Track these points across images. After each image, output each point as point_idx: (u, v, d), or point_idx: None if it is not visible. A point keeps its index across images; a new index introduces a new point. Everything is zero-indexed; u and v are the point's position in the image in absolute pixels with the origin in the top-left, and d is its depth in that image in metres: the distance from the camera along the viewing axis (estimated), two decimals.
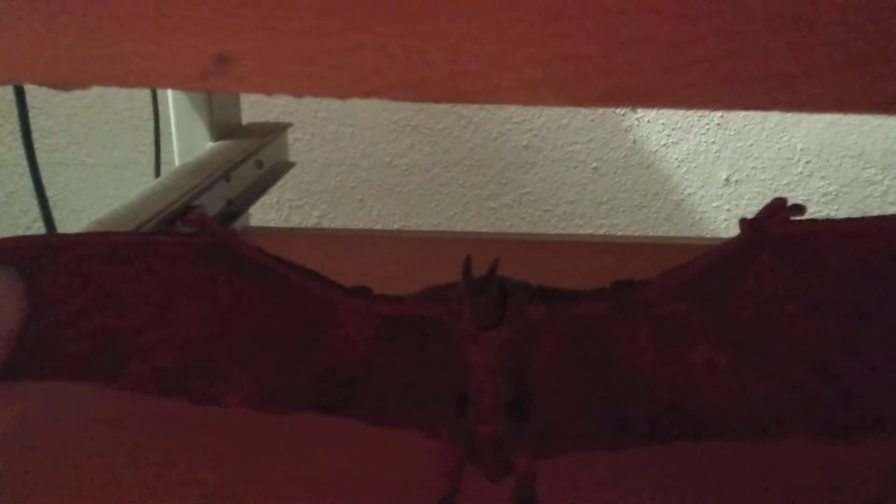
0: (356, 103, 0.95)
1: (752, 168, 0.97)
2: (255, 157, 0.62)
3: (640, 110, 0.95)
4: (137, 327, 0.30)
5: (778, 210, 0.25)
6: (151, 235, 0.30)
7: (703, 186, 0.98)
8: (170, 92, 0.61)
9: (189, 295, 0.30)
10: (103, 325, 0.30)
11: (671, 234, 1.00)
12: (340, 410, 0.31)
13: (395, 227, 1.01)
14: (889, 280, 0.25)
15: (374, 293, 0.29)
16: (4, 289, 0.30)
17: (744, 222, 0.26)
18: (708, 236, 0.98)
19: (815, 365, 0.27)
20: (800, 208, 0.25)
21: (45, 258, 0.30)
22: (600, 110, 0.95)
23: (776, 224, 0.25)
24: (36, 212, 0.54)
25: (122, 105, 0.98)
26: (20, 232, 0.93)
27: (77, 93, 0.93)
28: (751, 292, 0.26)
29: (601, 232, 1.01)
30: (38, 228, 0.92)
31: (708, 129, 0.96)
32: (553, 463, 0.29)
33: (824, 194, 0.97)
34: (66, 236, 0.31)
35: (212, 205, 0.55)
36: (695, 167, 0.98)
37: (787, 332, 0.26)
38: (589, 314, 0.27)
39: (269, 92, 0.22)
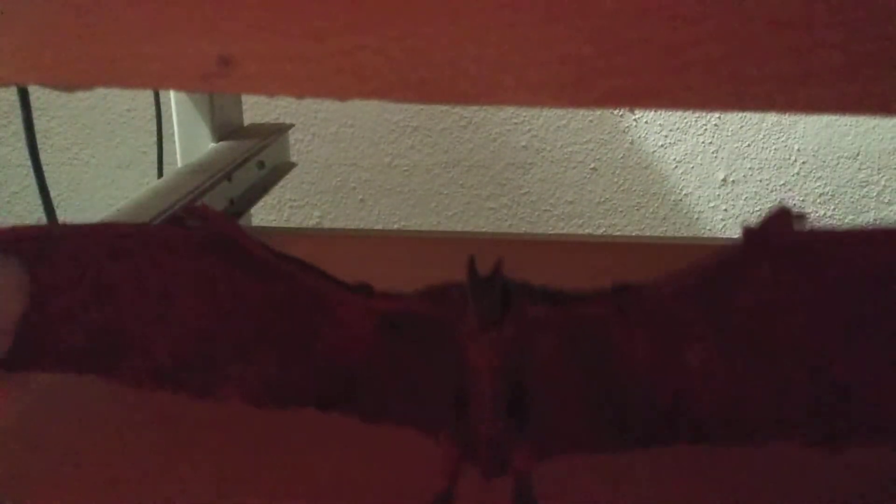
0: (357, 104, 0.95)
1: (749, 169, 0.98)
2: (257, 158, 0.62)
3: (638, 111, 0.95)
4: (136, 320, 0.30)
5: (781, 219, 0.25)
6: (153, 227, 0.30)
7: (700, 187, 0.99)
8: (172, 93, 0.61)
9: (189, 288, 0.30)
10: (102, 318, 0.30)
11: (669, 233, 1.01)
12: (339, 407, 0.30)
13: (395, 227, 1.01)
14: (889, 290, 0.25)
15: (376, 290, 0.29)
16: (6, 280, 0.29)
17: (747, 231, 0.26)
18: (705, 236, 0.98)
19: (814, 372, 0.26)
20: (802, 217, 0.25)
21: (46, 249, 0.30)
22: (599, 111, 0.95)
23: (779, 233, 0.25)
24: (40, 212, 0.54)
25: (124, 106, 0.98)
26: None
27: (80, 94, 0.93)
28: (750, 299, 0.26)
29: (599, 232, 1.01)
30: None
31: (705, 129, 0.96)
32: (553, 463, 0.29)
33: (820, 195, 0.98)
34: (66, 227, 0.31)
35: (214, 205, 0.55)
36: (692, 168, 0.98)
37: (786, 340, 0.26)
38: (589, 315, 0.28)
39: (270, 93, 0.22)
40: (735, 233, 0.98)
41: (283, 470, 0.36)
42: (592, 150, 0.98)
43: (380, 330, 0.29)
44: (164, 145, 0.68)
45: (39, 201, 0.52)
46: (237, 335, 0.30)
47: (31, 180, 0.52)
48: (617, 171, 0.99)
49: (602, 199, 1.00)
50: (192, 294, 0.30)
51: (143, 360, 0.31)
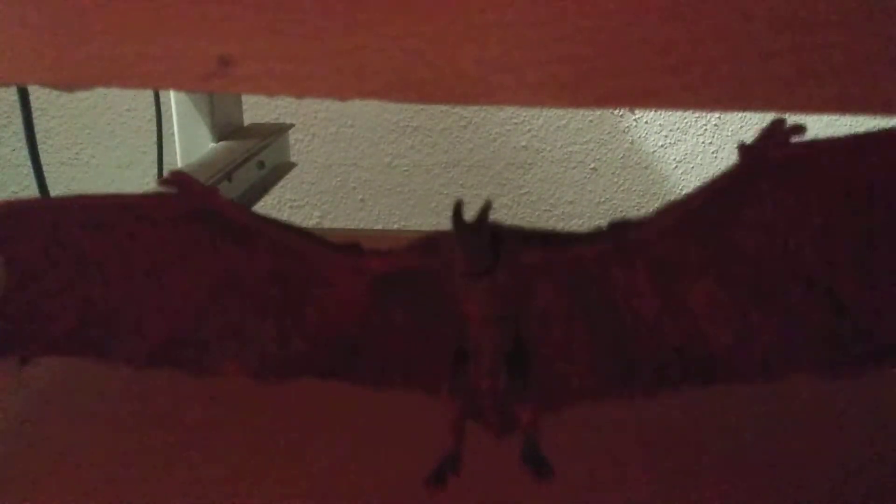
0: (357, 104, 0.95)
1: None
2: (257, 158, 0.62)
3: (638, 111, 0.95)
4: (123, 297, 0.29)
5: (777, 132, 0.23)
6: (131, 197, 0.28)
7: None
8: (172, 93, 0.61)
9: (174, 261, 0.28)
10: (88, 296, 0.29)
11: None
12: (339, 374, 0.29)
13: (395, 227, 1.01)
14: (892, 194, 0.24)
15: (366, 248, 0.28)
16: None
17: (742, 148, 0.24)
18: None
19: (822, 294, 0.25)
20: (800, 128, 0.23)
21: (21, 225, 0.28)
22: (598, 111, 0.95)
23: (776, 147, 0.23)
24: None
25: (124, 106, 0.98)
26: None
27: (80, 94, 0.93)
28: (752, 222, 0.25)
29: None
30: None
31: (705, 130, 0.96)
32: (560, 417, 0.28)
33: None
34: (40, 201, 0.30)
35: None
36: (692, 168, 0.98)
37: (791, 262, 0.25)
38: (586, 257, 0.26)
39: (270, 93, 0.22)
40: None
41: (284, 470, 0.36)
42: (592, 149, 0.98)
43: (372, 290, 0.28)
44: (164, 145, 0.68)
45: None
46: (228, 307, 0.29)
47: (31, 180, 0.52)
48: (617, 171, 0.99)
49: (602, 199, 1.00)
50: (180, 268, 0.28)
51: (136, 340, 0.29)
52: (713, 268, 0.26)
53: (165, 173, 0.28)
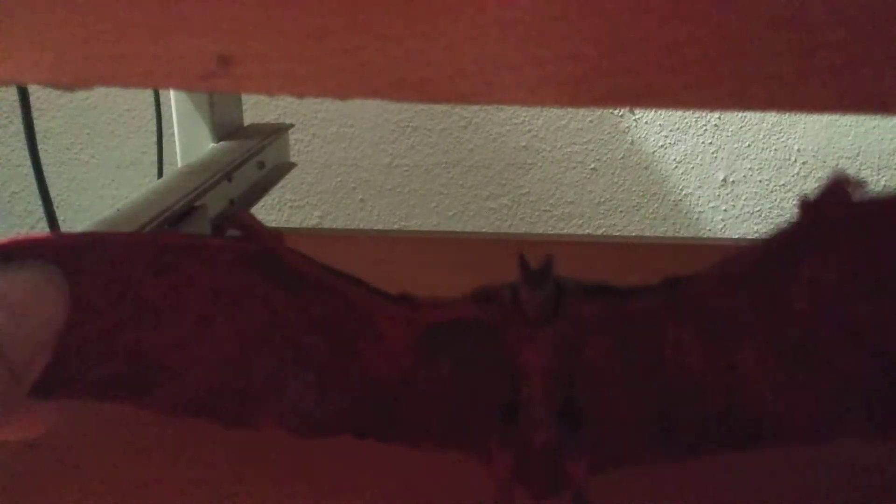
0: (357, 104, 0.95)
1: (749, 169, 0.98)
2: (257, 158, 0.62)
3: (638, 111, 0.95)
4: (172, 345, 0.28)
5: (839, 189, 0.23)
6: (195, 238, 0.27)
7: (700, 187, 0.99)
8: (172, 92, 0.61)
9: (226, 309, 0.27)
10: (138, 341, 0.28)
11: (669, 234, 1.01)
12: (379, 433, 0.29)
13: (395, 227, 1.01)
14: None
15: (420, 300, 0.27)
16: (52, 291, 0.25)
17: (804, 205, 0.23)
18: (705, 236, 0.98)
19: (873, 355, 0.25)
20: (861, 184, 0.23)
21: (89, 260, 0.26)
22: (598, 111, 0.95)
23: (836, 205, 0.23)
24: (40, 212, 0.54)
25: (124, 106, 0.98)
26: (23, 232, 0.94)
27: (80, 93, 0.93)
28: (805, 281, 0.24)
29: (600, 232, 1.01)
30: (42, 228, 0.92)
31: (705, 130, 0.96)
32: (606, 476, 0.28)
33: None
34: (108, 236, 0.28)
35: (214, 205, 0.55)
36: (692, 168, 0.98)
37: (843, 322, 0.25)
38: (640, 312, 0.26)
39: (270, 92, 0.22)
40: (735, 233, 0.98)
41: (284, 469, 0.36)
42: (592, 150, 0.98)
43: (421, 342, 0.27)
44: (164, 145, 0.68)
45: (39, 201, 0.52)
46: (274, 362, 0.28)
47: (31, 180, 0.52)
48: (617, 171, 0.99)
49: (602, 200, 1.00)
50: (229, 316, 0.28)
51: (178, 389, 0.28)
52: (763, 326, 0.25)
53: (230, 213, 0.27)
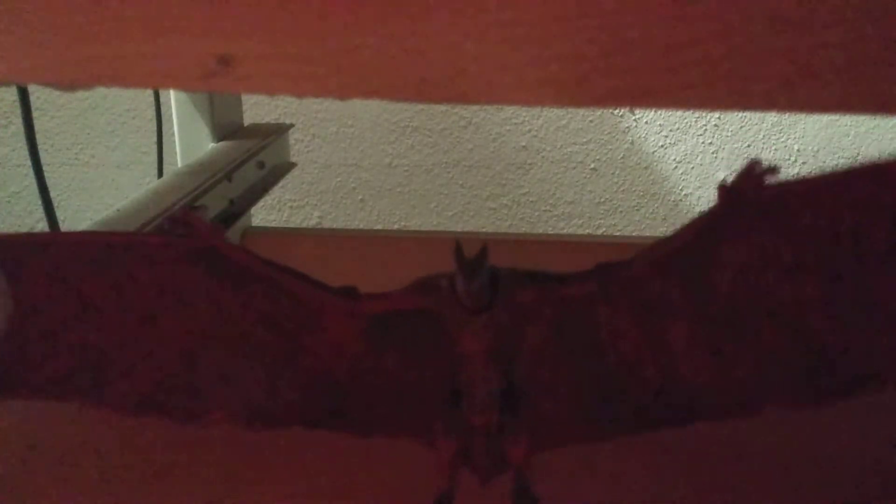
0: (357, 104, 0.95)
1: None
2: (257, 158, 0.62)
3: (638, 111, 0.95)
4: (117, 342, 0.28)
5: (753, 173, 0.24)
6: (136, 236, 0.28)
7: (700, 187, 0.99)
8: (172, 93, 0.61)
9: (169, 305, 0.28)
10: (82, 339, 0.28)
11: (669, 233, 1.00)
12: (327, 424, 0.30)
13: (395, 227, 1.01)
14: (863, 234, 0.25)
15: (361, 292, 0.28)
16: None
17: (722, 190, 0.25)
18: None
19: (795, 330, 0.26)
20: (774, 170, 0.24)
21: (30, 259, 0.28)
22: (598, 111, 0.95)
23: (752, 188, 0.25)
24: (39, 212, 0.54)
25: (124, 106, 0.98)
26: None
27: (80, 93, 0.93)
28: (728, 262, 0.26)
29: (599, 232, 1.01)
30: (42, 228, 0.92)
31: (705, 130, 0.96)
32: (548, 457, 0.29)
33: None
34: (50, 235, 0.29)
35: (214, 205, 0.55)
36: (692, 168, 0.98)
37: (766, 301, 0.26)
38: (575, 296, 0.27)
39: (270, 92, 0.22)
40: None
41: (284, 469, 0.36)
42: (592, 150, 0.98)
43: (366, 334, 0.28)
44: (164, 145, 0.68)
45: (39, 201, 0.52)
46: (219, 355, 0.29)
47: (31, 180, 0.52)
48: (617, 172, 0.99)
49: (602, 200, 1.00)
50: (174, 313, 0.28)
51: (126, 386, 0.29)
52: (691, 307, 0.27)
53: (173, 212, 0.27)
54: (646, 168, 0.98)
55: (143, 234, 0.29)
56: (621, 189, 0.99)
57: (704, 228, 0.26)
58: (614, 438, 0.29)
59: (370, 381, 0.29)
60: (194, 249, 0.27)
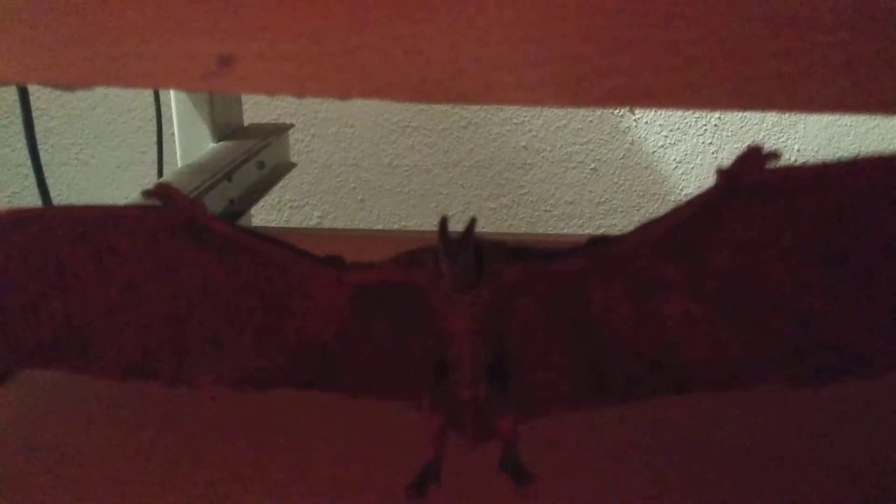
0: (357, 104, 0.95)
1: None
2: (257, 158, 0.62)
3: (638, 111, 0.96)
4: (101, 310, 0.29)
5: (753, 158, 0.24)
6: (113, 208, 0.28)
7: (700, 187, 0.98)
8: (172, 93, 0.61)
9: (154, 274, 0.28)
10: (65, 309, 0.29)
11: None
12: (318, 385, 0.30)
13: (395, 227, 1.01)
14: (863, 221, 0.25)
15: (347, 262, 0.28)
16: None
17: (719, 172, 0.25)
18: None
19: (792, 311, 0.26)
20: (775, 155, 0.24)
21: (6, 235, 0.28)
22: (599, 111, 0.95)
23: (751, 172, 0.25)
24: None
25: (125, 106, 0.98)
26: None
27: (80, 93, 0.93)
28: (725, 243, 0.26)
29: (600, 232, 1.01)
30: None
31: (705, 129, 0.97)
32: (537, 426, 0.29)
33: None
34: (26, 211, 0.29)
35: (214, 205, 0.55)
36: (692, 168, 0.98)
37: (763, 281, 0.26)
38: (565, 272, 0.27)
39: (270, 92, 0.22)
40: None
41: (283, 469, 0.36)
42: (592, 150, 0.98)
43: (353, 302, 0.28)
44: (164, 145, 0.68)
45: (39, 201, 0.52)
46: (206, 320, 0.29)
47: (31, 180, 0.52)
48: (617, 172, 0.99)
49: (602, 199, 1.00)
50: (159, 282, 0.29)
51: (112, 352, 0.29)
52: (687, 284, 0.27)
53: (151, 185, 0.28)
54: (646, 168, 0.98)
55: (120, 207, 0.29)
56: (621, 189, 0.99)
57: (700, 209, 0.26)
58: (605, 407, 0.29)
59: (358, 346, 0.29)
60: (174, 221, 0.28)
